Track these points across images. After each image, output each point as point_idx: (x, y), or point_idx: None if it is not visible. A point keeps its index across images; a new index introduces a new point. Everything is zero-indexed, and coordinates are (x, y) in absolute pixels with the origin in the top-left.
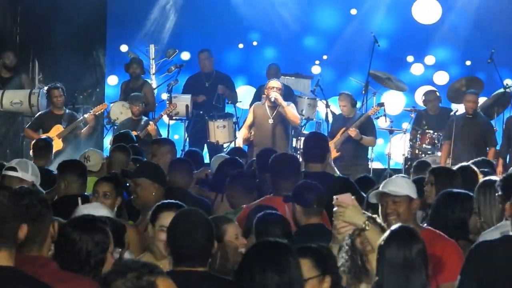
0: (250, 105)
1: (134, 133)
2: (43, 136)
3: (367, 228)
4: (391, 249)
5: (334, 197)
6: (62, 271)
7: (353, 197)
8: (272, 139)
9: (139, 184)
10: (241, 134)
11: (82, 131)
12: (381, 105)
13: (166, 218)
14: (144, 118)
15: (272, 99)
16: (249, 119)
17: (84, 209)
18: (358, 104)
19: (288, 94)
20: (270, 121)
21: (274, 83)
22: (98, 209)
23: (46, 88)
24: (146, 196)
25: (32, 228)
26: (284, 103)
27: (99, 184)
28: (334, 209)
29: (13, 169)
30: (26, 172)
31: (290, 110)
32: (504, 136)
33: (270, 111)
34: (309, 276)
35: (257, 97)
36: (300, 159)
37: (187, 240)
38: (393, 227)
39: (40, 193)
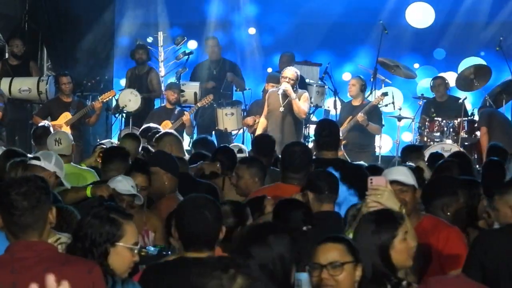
0: None
1: (166, 123)
2: (52, 123)
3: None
4: None
5: (369, 178)
6: (64, 254)
7: (387, 179)
8: (281, 127)
9: (153, 173)
10: (261, 124)
11: (90, 118)
12: (385, 94)
13: None
14: (178, 108)
15: (281, 90)
16: (266, 107)
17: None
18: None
19: (301, 83)
20: (281, 109)
21: (287, 72)
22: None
23: (54, 75)
24: (159, 186)
25: (31, 215)
26: (293, 95)
27: (135, 177)
28: (369, 186)
29: (37, 158)
30: (49, 162)
31: (297, 103)
32: None
33: (282, 100)
34: (345, 261)
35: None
36: (310, 146)
37: (193, 221)
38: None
39: (38, 180)
